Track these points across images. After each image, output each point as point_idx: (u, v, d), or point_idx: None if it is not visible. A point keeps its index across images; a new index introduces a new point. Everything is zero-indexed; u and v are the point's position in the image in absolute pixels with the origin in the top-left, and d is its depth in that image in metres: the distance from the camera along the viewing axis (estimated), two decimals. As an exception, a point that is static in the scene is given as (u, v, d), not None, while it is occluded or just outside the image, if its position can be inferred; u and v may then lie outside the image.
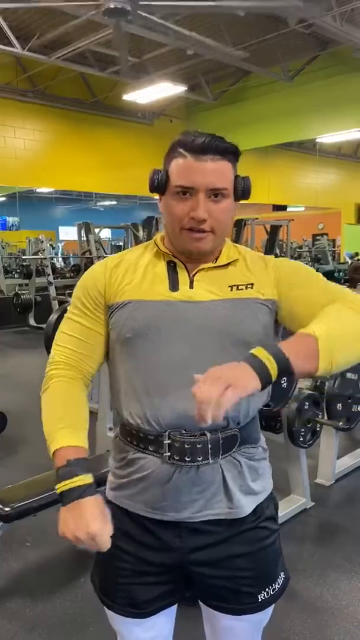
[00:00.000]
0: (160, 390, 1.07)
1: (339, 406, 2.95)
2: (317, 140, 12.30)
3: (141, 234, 10.27)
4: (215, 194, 1.06)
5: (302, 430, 2.84)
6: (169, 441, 1.06)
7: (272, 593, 1.17)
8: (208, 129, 1.09)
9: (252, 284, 1.12)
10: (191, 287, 1.11)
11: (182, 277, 1.12)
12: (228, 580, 1.13)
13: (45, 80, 9.50)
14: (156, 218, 9.60)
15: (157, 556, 1.13)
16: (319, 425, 2.95)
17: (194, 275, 1.12)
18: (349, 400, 3.01)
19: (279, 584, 1.18)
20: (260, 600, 1.15)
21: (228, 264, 1.14)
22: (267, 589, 1.16)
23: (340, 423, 2.95)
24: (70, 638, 2.08)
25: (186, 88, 9.28)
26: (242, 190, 1.10)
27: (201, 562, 1.12)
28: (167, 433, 1.07)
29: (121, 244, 14.03)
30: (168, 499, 1.09)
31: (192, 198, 1.06)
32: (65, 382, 1.13)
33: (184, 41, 7.16)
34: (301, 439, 2.83)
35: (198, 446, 1.05)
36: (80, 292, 1.18)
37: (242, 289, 1.11)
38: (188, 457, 1.06)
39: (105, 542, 0.98)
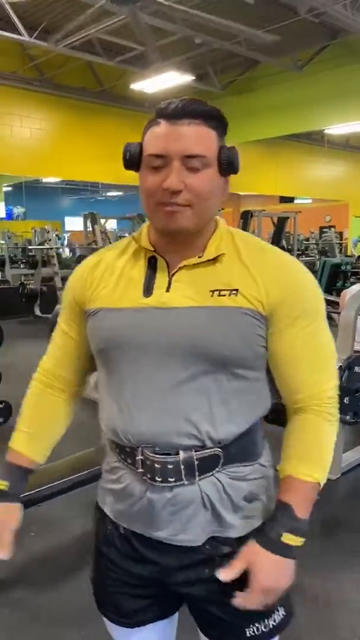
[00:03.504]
0: (129, 406, 0.99)
1: (346, 400, 2.92)
2: (325, 131, 12.20)
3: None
4: (193, 162, 0.92)
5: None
6: (142, 457, 0.98)
7: (264, 630, 1.00)
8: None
9: (236, 290, 0.95)
10: (168, 289, 0.97)
11: (161, 277, 0.99)
12: (215, 605, 1.01)
13: (52, 69, 9.43)
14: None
15: (136, 567, 1.06)
16: (325, 419, 2.92)
17: (173, 274, 0.99)
18: (356, 394, 2.99)
19: (274, 620, 1.01)
20: (248, 635, 1.00)
21: (215, 259, 0.98)
22: (257, 624, 1.00)
23: (347, 417, 2.92)
24: (75, 628, 2.08)
25: (194, 77, 9.21)
26: (227, 161, 0.94)
27: (183, 582, 1.02)
28: (140, 449, 0.98)
29: (127, 234, 13.99)
30: (142, 516, 1.01)
31: (166, 168, 0.92)
32: (39, 388, 1.17)
33: (192, 29, 7.08)
34: (307, 432, 2.81)
35: (169, 467, 0.96)
36: (63, 294, 1.15)
37: (224, 295, 0.95)
38: (159, 477, 0.97)
39: None
